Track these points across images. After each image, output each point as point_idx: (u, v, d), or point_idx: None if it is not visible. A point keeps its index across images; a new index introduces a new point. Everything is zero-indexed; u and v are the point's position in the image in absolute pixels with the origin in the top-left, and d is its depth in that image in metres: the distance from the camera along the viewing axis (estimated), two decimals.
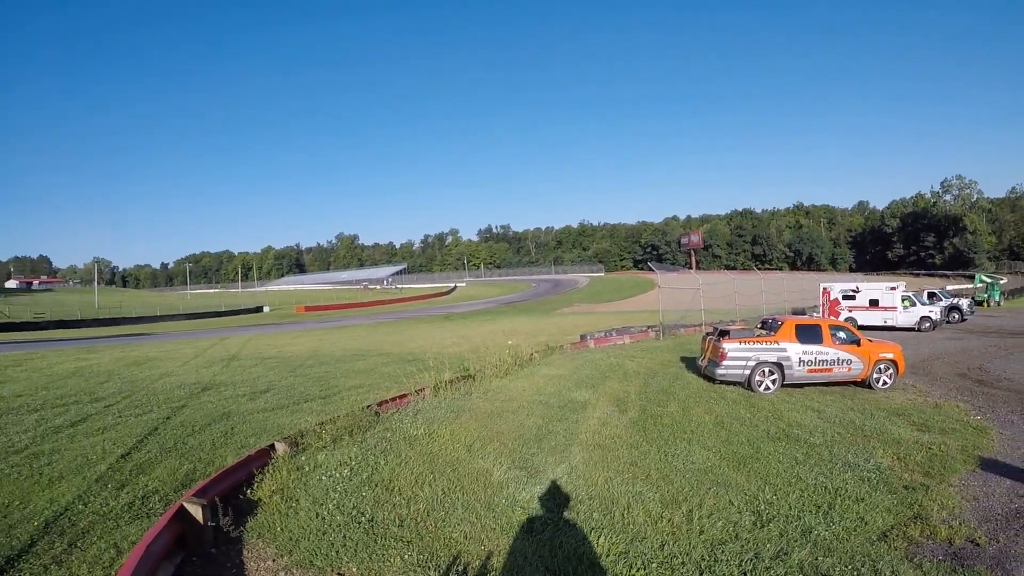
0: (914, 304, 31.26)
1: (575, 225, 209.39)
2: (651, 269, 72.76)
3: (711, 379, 16.11)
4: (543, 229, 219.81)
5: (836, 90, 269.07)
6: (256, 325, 53.82)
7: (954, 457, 9.79)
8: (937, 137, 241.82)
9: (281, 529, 6.80)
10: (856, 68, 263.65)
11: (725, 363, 15.44)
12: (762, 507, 7.78)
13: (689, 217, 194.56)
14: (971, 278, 76.73)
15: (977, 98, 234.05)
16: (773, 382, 15.29)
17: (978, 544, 6.70)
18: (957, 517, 7.41)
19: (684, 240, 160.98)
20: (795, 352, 15.44)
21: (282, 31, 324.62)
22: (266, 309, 79.97)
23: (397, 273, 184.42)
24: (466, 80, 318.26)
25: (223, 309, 78.62)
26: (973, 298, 45.93)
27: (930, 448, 10.29)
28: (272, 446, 8.96)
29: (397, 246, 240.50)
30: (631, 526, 7.13)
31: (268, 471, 8.17)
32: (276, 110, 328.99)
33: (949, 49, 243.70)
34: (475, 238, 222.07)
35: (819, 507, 7.77)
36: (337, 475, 8.25)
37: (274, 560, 6.28)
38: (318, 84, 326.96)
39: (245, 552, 6.38)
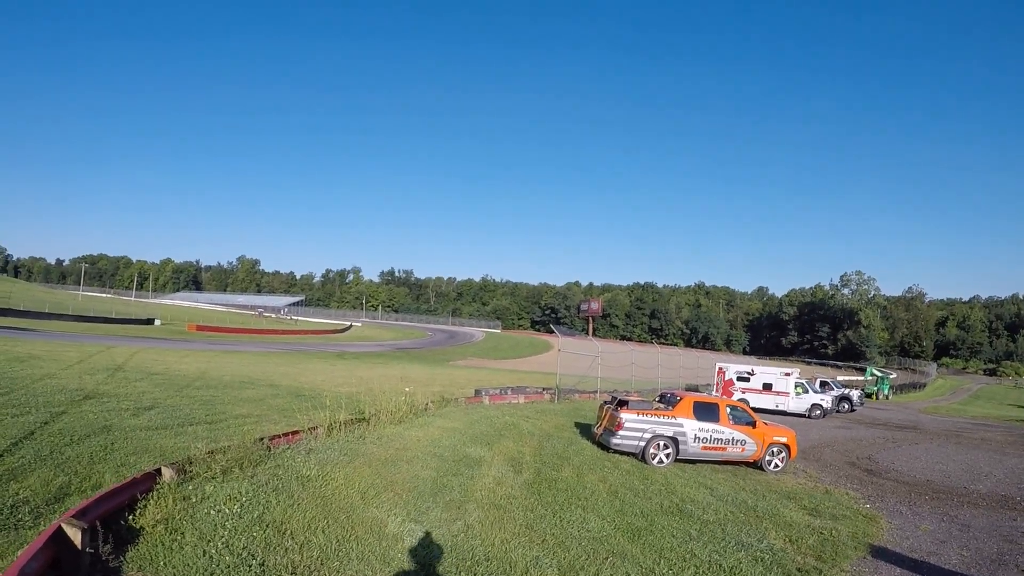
0: (806, 391, 32.86)
1: (477, 279, 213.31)
2: (551, 331, 73.79)
3: (605, 447, 16.22)
4: (445, 279, 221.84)
5: (742, 178, 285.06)
6: (145, 337, 52.51)
7: (845, 543, 10.25)
8: (839, 232, 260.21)
9: (164, 564, 6.31)
10: (764, 160, 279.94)
11: (621, 433, 15.62)
12: None
13: (591, 284, 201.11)
14: (862, 370, 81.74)
15: (879, 196, 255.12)
16: (667, 456, 15.58)
17: None
18: None
19: (584, 306, 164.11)
20: (692, 428, 15.83)
21: (188, 43, 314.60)
22: (158, 322, 77.75)
23: (294, 304, 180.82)
24: (384, 121, 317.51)
25: (114, 316, 75.84)
26: (863, 390, 48.81)
27: (821, 532, 10.76)
28: (159, 470, 8.46)
29: (298, 276, 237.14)
30: None
31: (153, 497, 7.65)
32: (191, 124, 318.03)
33: (854, 149, 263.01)
34: (376, 279, 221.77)
35: None
36: (226, 510, 7.79)
37: None
38: (236, 103, 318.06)
39: None
